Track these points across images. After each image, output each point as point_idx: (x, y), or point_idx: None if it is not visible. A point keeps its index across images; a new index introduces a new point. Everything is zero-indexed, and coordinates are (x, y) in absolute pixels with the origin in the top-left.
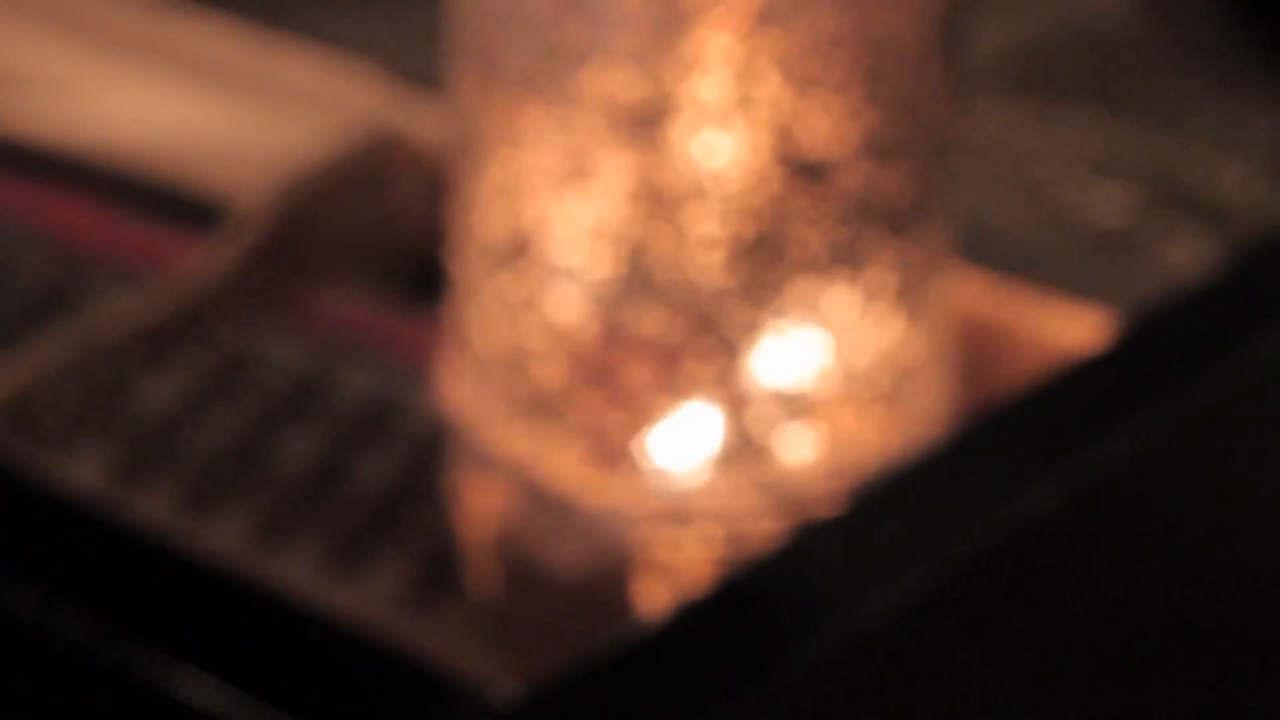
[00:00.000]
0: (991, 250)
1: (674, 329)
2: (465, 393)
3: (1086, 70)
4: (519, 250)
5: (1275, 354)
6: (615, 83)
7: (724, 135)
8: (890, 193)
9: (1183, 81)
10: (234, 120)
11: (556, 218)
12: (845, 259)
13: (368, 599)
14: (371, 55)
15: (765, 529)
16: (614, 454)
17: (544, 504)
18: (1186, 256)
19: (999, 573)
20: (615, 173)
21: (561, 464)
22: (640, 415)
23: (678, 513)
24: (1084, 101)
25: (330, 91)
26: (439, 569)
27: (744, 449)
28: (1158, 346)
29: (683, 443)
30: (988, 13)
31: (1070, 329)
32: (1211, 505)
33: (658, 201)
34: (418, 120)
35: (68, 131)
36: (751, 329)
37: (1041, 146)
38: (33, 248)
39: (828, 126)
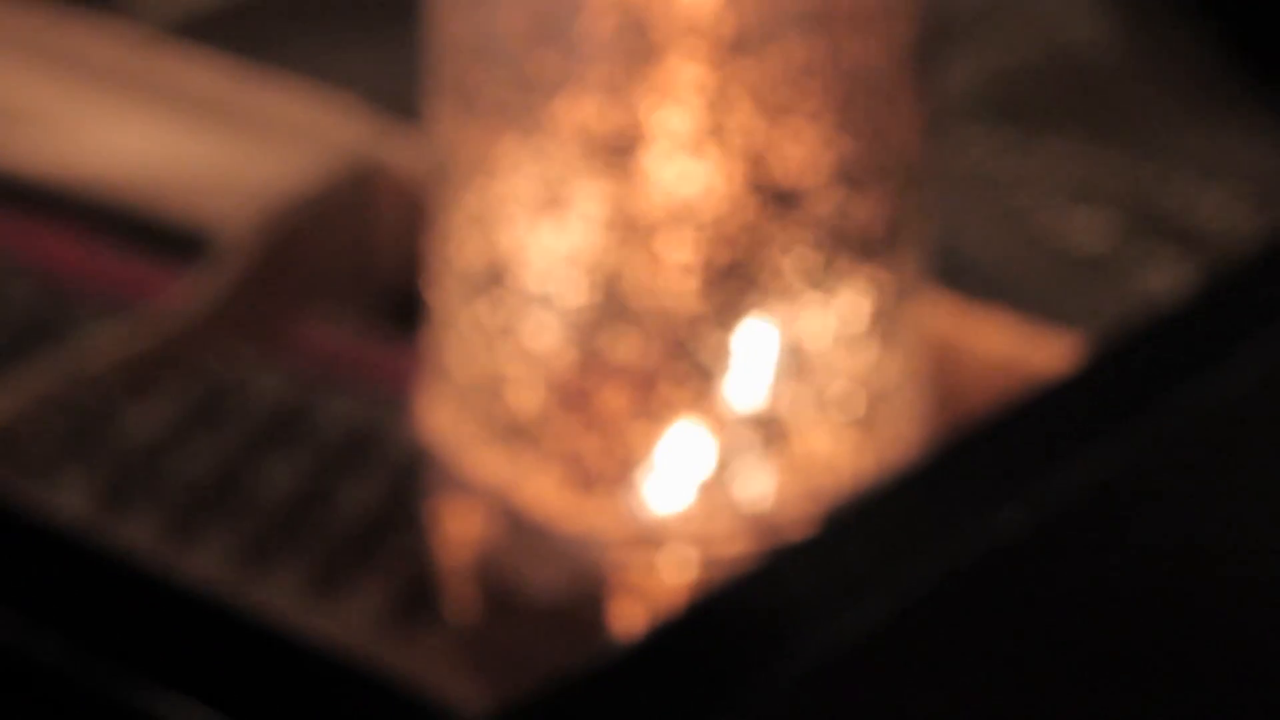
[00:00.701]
0: (971, 277)
1: (649, 355)
2: (443, 419)
3: (1067, 98)
4: (495, 278)
5: (1242, 376)
6: (589, 113)
7: (697, 163)
8: (862, 219)
9: (1162, 109)
10: (219, 153)
11: (532, 246)
12: (818, 284)
13: (348, 624)
14: (353, 89)
15: (740, 552)
16: (590, 479)
17: (521, 529)
18: (1165, 283)
19: (968, 593)
20: (590, 201)
21: (538, 489)
22: (616, 440)
23: (653, 537)
24: (1064, 129)
25: (313, 124)
26: (418, 594)
27: (719, 473)
28: (1126, 369)
29: (658, 467)
30: (968, 42)
31: (1044, 353)
32: (1178, 526)
33: (632, 229)
34: (398, 152)
35: (54, 164)
36: (725, 354)
37: (1021, 173)
38: (19, 278)
39: (800, 154)
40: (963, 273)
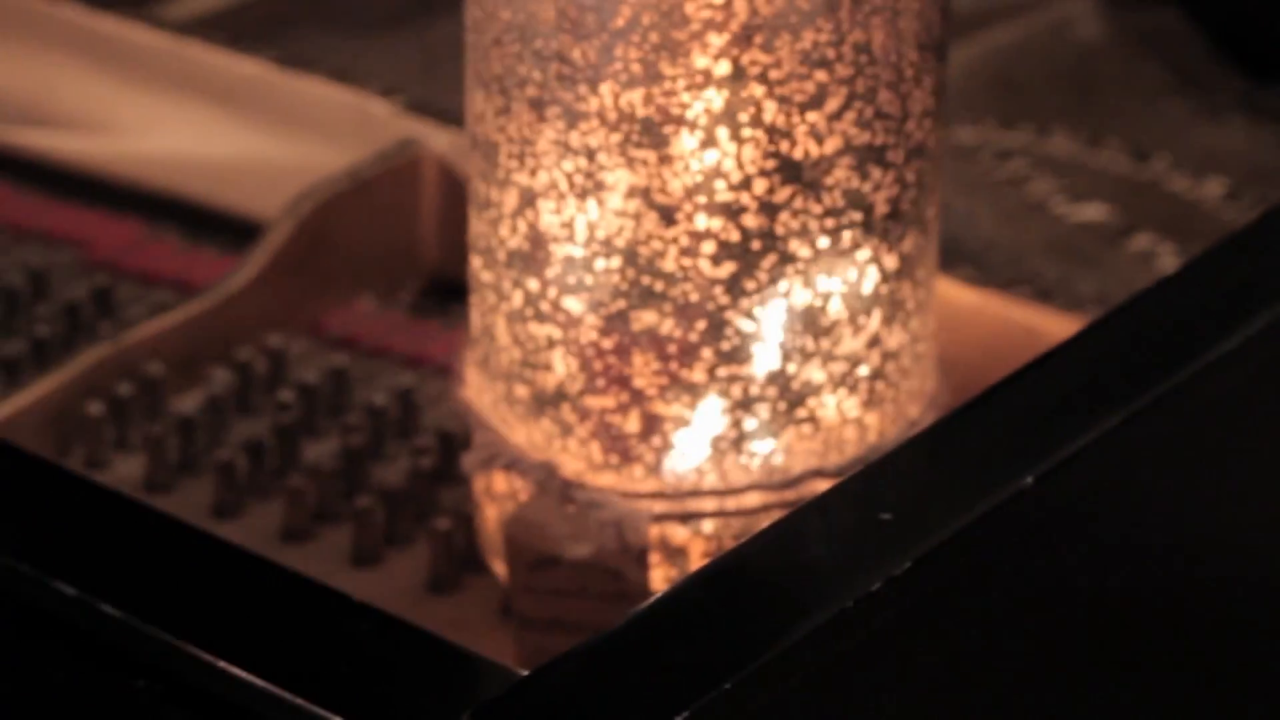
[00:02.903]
0: (970, 258)
1: (677, 327)
2: (483, 392)
3: (1070, 94)
4: (532, 256)
5: (1232, 346)
6: (620, 99)
7: (720, 144)
8: (873, 196)
9: (1162, 105)
10: (267, 147)
11: (567, 225)
12: (832, 258)
13: (391, 588)
14: (388, 85)
15: (764, 515)
16: (622, 446)
17: (556, 495)
18: (1156, 266)
19: (978, 548)
20: (621, 182)
21: (573, 456)
22: (646, 408)
23: (681, 500)
24: (1068, 124)
25: (355, 118)
26: (458, 559)
27: (742, 438)
28: (1124, 340)
29: (686, 433)
30: (974, 39)
31: (1045, 329)
32: (1173, 484)
33: (660, 207)
34: (434, 141)
35: (110, 158)
36: (748, 324)
37: (1027, 167)
38: (76, 264)
39: (817, 135)
40: (963, 254)
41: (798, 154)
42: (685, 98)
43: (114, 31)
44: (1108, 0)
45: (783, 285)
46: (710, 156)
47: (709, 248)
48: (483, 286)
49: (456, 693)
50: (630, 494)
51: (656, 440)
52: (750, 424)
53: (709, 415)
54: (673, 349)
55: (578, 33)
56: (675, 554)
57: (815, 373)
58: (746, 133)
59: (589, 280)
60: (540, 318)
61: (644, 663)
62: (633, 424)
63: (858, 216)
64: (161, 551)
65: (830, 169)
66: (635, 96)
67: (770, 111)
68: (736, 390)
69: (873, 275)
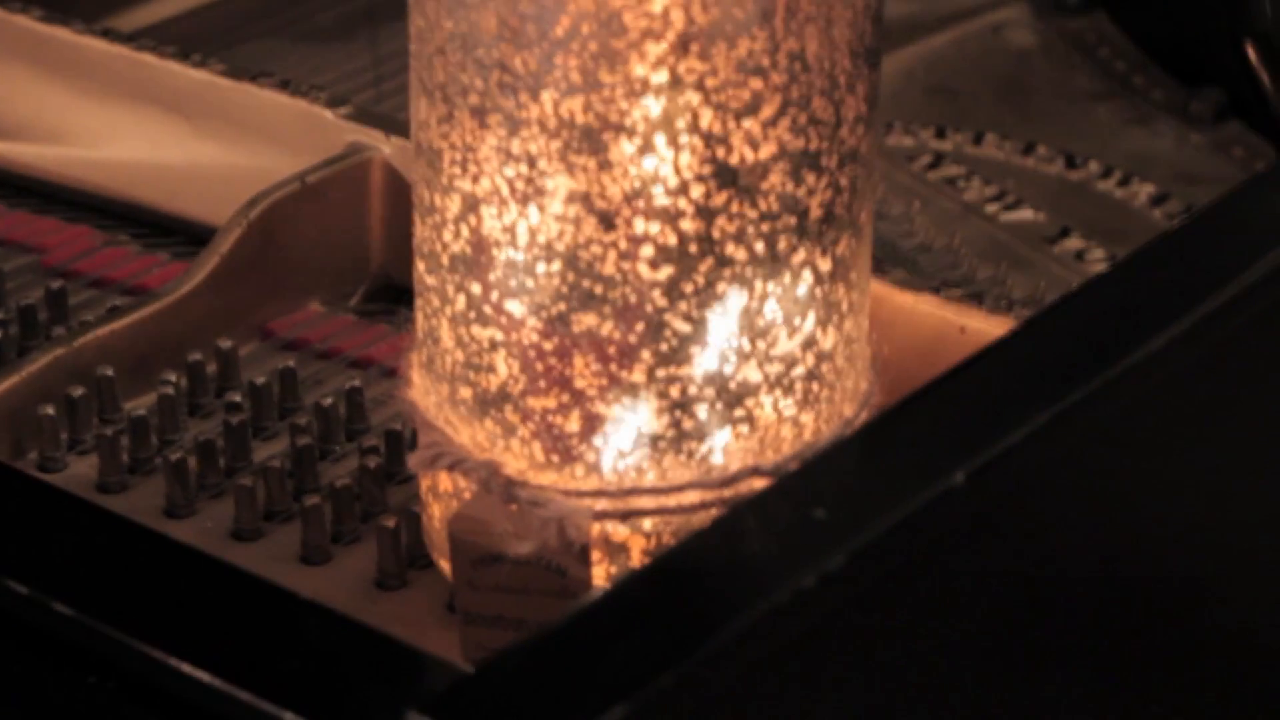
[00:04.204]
0: (913, 267)
1: (616, 329)
2: (428, 394)
3: (1003, 100)
4: (475, 260)
5: (1159, 345)
6: (560, 107)
7: (658, 150)
8: (809, 201)
9: (1093, 110)
10: (218, 154)
11: (509, 229)
12: (769, 261)
13: (339, 585)
14: (336, 93)
15: (702, 512)
16: (563, 445)
17: (499, 495)
18: (1086, 268)
19: (911, 545)
20: (561, 188)
21: (515, 457)
22: (586, 410)
23: (622, 500)
24: (1000, 129)
25: (305, 125)
26: (405, 557)
27: (681, 436)
28: (1054, 339)
29: (625, 435)
30: (908, 46)
31: (979, 328)
32: (1102, 480)
33: (600, 212)
34: (381, 147)
35: (66, 166)
36: (686, 327)
37: (960, 172)
38: (31, 269)
39: (753, 141)
40: (897, 257)
41: (734, 160)
42: (624, 105)
43: (68, 41)
44: (1039, 8)
45: (720, 288)
46: (648, 162)
47: (647, 251)
48: (427, 290)
49: (403, 687)
50: (572, 492)
51: (597, 440)
52: (688, 424)
53: (648, 415)
54: (612, 350)
55: (518, 42)
56: (616, 551)
57: (752, 373)
58: (684, 139)
59: (530, 284)
60: (483, 321)
61: (586, 657)
62: (574, 424)
63: (793, 221)
64: (113, 551)
65: (766, 174)
66: (575, 104)
67: (707, 118)
68: (675, 391)
69: (808, 278)
